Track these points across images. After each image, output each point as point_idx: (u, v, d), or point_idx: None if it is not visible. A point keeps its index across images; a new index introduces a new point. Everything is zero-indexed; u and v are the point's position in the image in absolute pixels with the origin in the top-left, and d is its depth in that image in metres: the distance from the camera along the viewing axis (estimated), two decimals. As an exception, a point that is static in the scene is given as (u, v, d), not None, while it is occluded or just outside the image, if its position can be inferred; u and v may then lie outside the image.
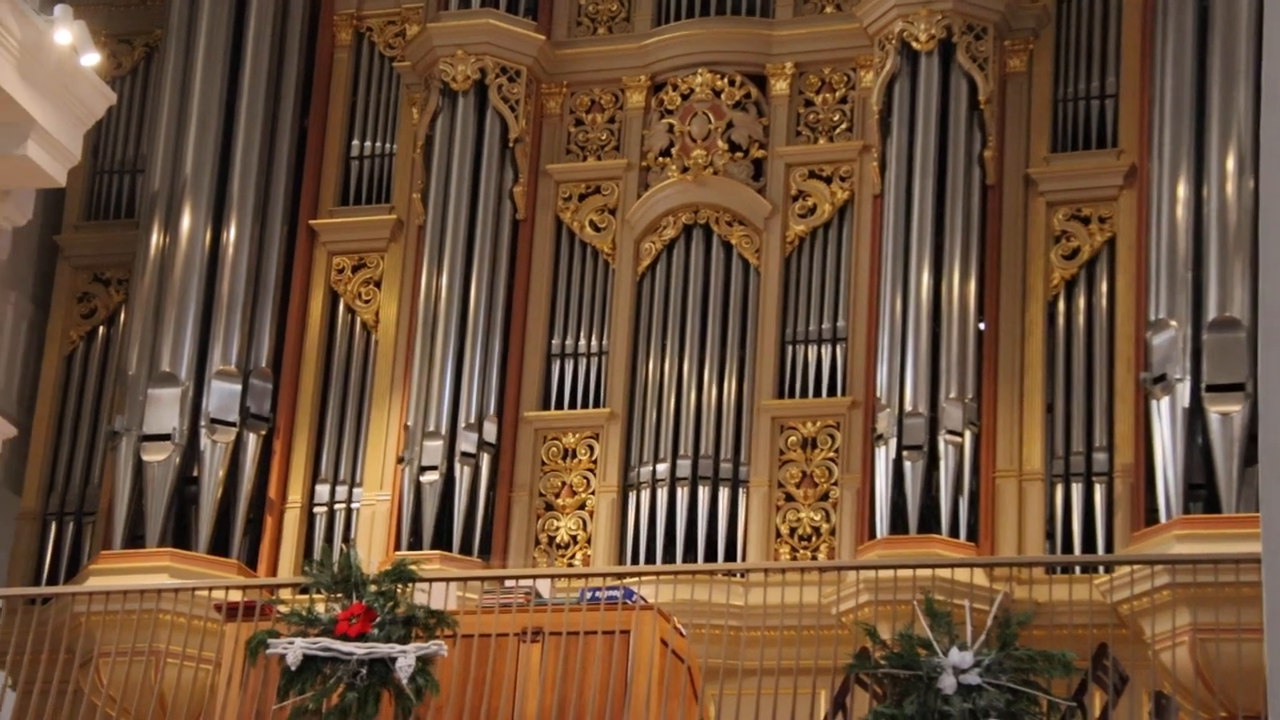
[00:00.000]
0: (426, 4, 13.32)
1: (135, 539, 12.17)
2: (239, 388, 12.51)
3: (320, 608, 9.17)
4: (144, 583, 10.78)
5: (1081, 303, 11.97)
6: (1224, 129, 11.11)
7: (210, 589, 10.51)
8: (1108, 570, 10.83)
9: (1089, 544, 11.38)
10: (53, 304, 13.54)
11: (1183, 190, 11.22)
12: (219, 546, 12.23)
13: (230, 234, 12.73)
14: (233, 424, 12.43)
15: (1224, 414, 10.67)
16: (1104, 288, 11.91)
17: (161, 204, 12.83)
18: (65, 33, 9.96)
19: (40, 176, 10.14)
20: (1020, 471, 11.66)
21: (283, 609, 9.36)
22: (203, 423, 12.35)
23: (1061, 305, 12.02)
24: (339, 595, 9.26)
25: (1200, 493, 10.75)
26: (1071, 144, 12.23)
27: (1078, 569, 11.10)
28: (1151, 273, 11.27)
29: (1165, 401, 10.91)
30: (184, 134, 12.84)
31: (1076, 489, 11.54)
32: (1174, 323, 11.02)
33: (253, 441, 12.51)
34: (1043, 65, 12.38)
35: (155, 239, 12.78)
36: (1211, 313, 10.89)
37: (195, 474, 12.33)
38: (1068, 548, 11.42)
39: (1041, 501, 11.59)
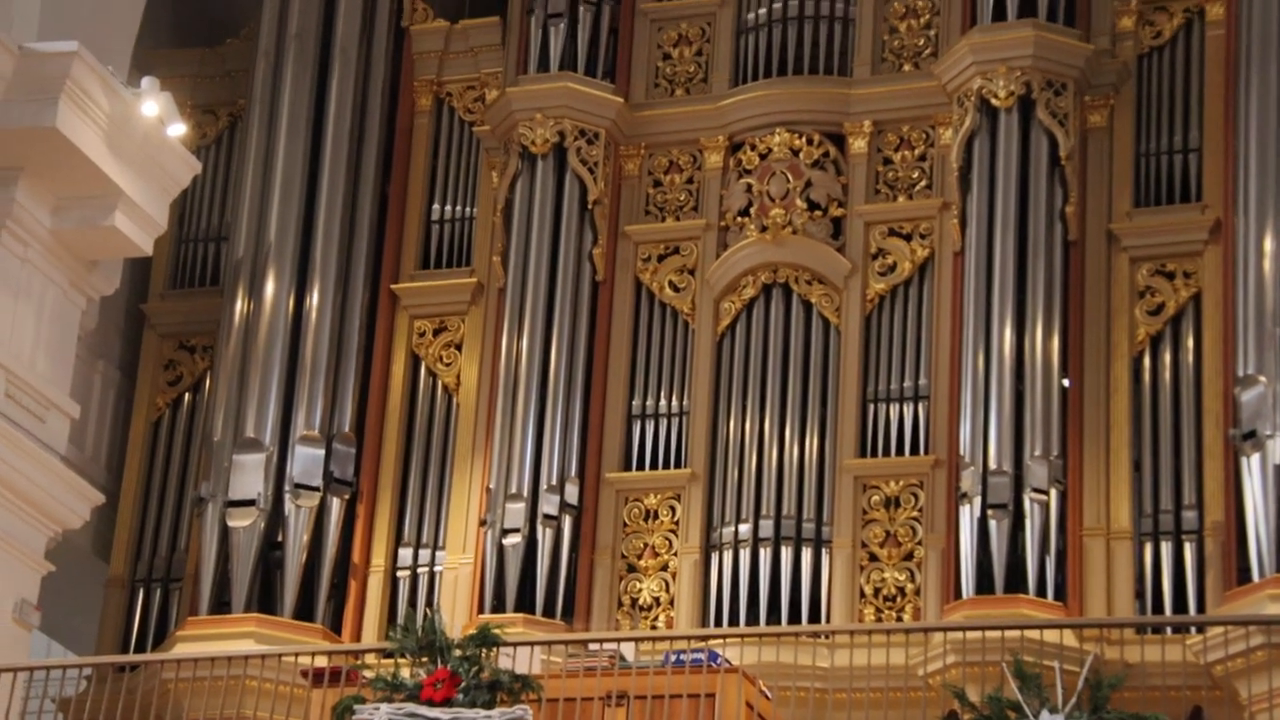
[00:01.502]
0: (505, 69, 13.43)
1: (221, 605, 12.24)
2: (322, 452, 12.59)
3: (405, 673, 9.17)
4: (230, 649, 10.81)
5: (1167, 358, 11.85)
6: (1311, 182, 11.00)
7: (296, 655, 10.53)
8: (1200, 630, 10.67)
9: (1179, 603, 11.22)
10: (139, 372, 13.69)
11: (1269, 244, 11.10)
12: (304, 612, 12.28)
13: (313, 299, 12.84)
14: (316, 489, 12.51)
15: (1317, 470, 10.52)
16: (1190, 343, 11.79)
17: (245, 271, 12.97)
18: (152, 105, 10.13)
19: (127, 246, 10.30)
20: (1108, 530, 11.53)
21: (368, 674, 9.37)
22: (287, 488, 12.43)
23: (1147, 361, 11.90)
24: (424, 660, 9.25)
25: (1294, 551, 10.57)
26: (1154, 199, 12.14)
27: (1169, 629, 10.94)
28: (1239, 328, 11.15)
29: (1255, 458, 10.76)
30: (267, 201, 12.99)
31: (1166, 547, 11.39)
32: (1263, 378, 10.89)
33: (336, 506, 12.57)
34: (1124, 120, 12.31)
35: (239, 306, 12.92)
36: (1301, 368, 10.75)
37: (280, 539, 12.40)
38: (1158, 607, 11.25)
39: (1130, 560, 11.45)
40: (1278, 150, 11.21)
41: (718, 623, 11.87)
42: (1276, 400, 10.80)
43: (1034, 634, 10.65)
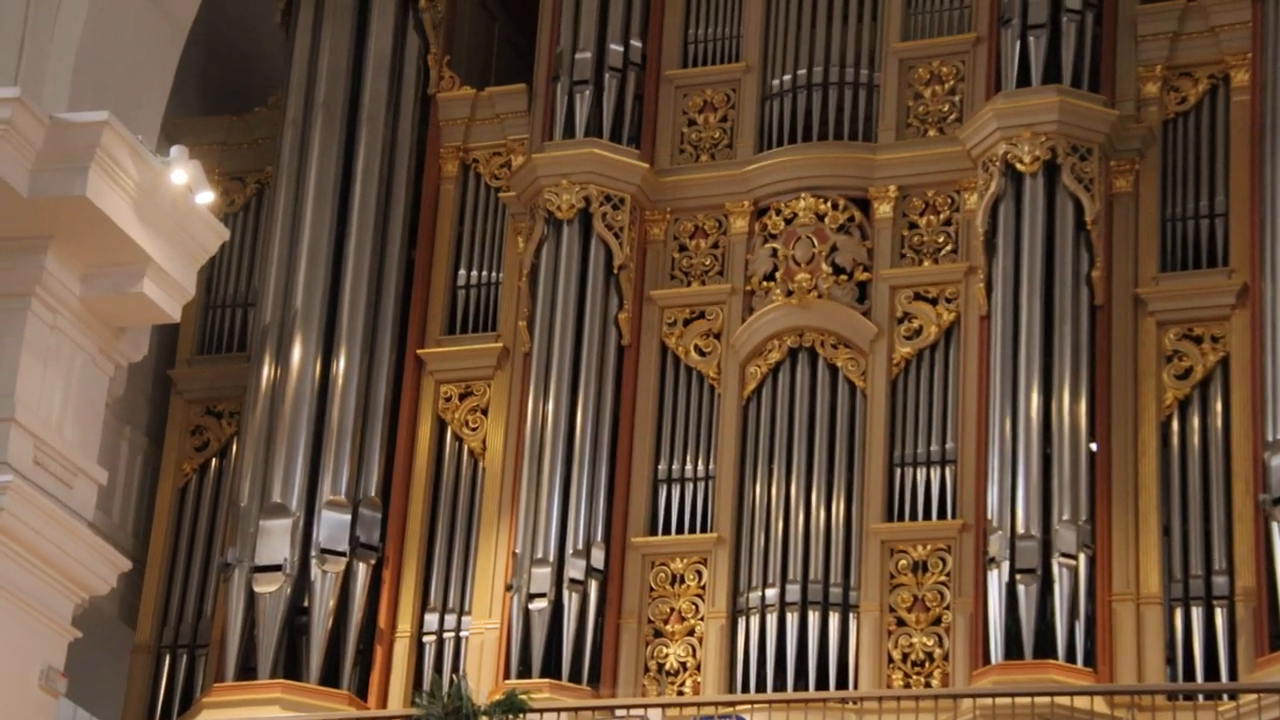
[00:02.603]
0: (531, 135, 13.51)
1: (247, 671, 12.22)
2: (349, 518, 12.59)
3: (433, 740, 9.14)
4: (256, 715, 10.79)
5: (1196, 423, 11.81)
6: (1338, 246, 10.99)
7: (322, 721, 10.51)
8: (1232, 698, 10.59)
9: (1211, 670, 11.13)
10: (166, 437, 13.74)
11: (1298, 308, 11.08)
12: (330, 677, 12.25)
13: (339, 365, 12.88)
14: (343, 554, 12.51)
15: (1348, 536, 10.45)
16: (1218, 408, 11.76)
17: (273, 337, 13.02)
18: (181, 173, 10.17)
19: (155, 313, 10.31)
20: (1138, 595, 11.46)
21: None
22: (313, 553, 12.44)
23: (1175, 425, 11.86)
24: (451, 727, 9.21)
25: (1326, 617, 10.50)
26: (1181, 264, 12.14)
27: (1201, 696, 10.85)
28: (1268, 392, 11.12)
29: (1286, 523, 10.69)
30: (294, 267, 13.06)
31: (1197, 613, 11.33)
32: (1292, 443, 10.84)
33: (362, 571, 12.57)
34: (1149, 185, 12.32)
35: (266, 371, 12.97)
36: (1330, 433, 10.70)
37: (306, 605, 12.40)
38: (1189, 673, 11.17)
39: (1160, 626, 11.37)
40: (1305, 214, 11.22)
41: (745, 688, 11.81)
42: (1307, 465, 10.75)
43: (1064, 700, 10.60)
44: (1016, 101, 12.21)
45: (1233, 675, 10.97)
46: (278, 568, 12.36)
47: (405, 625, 12.67)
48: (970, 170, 12.53)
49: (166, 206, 10.17)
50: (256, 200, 14.15)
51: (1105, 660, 11.25)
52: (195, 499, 13.55)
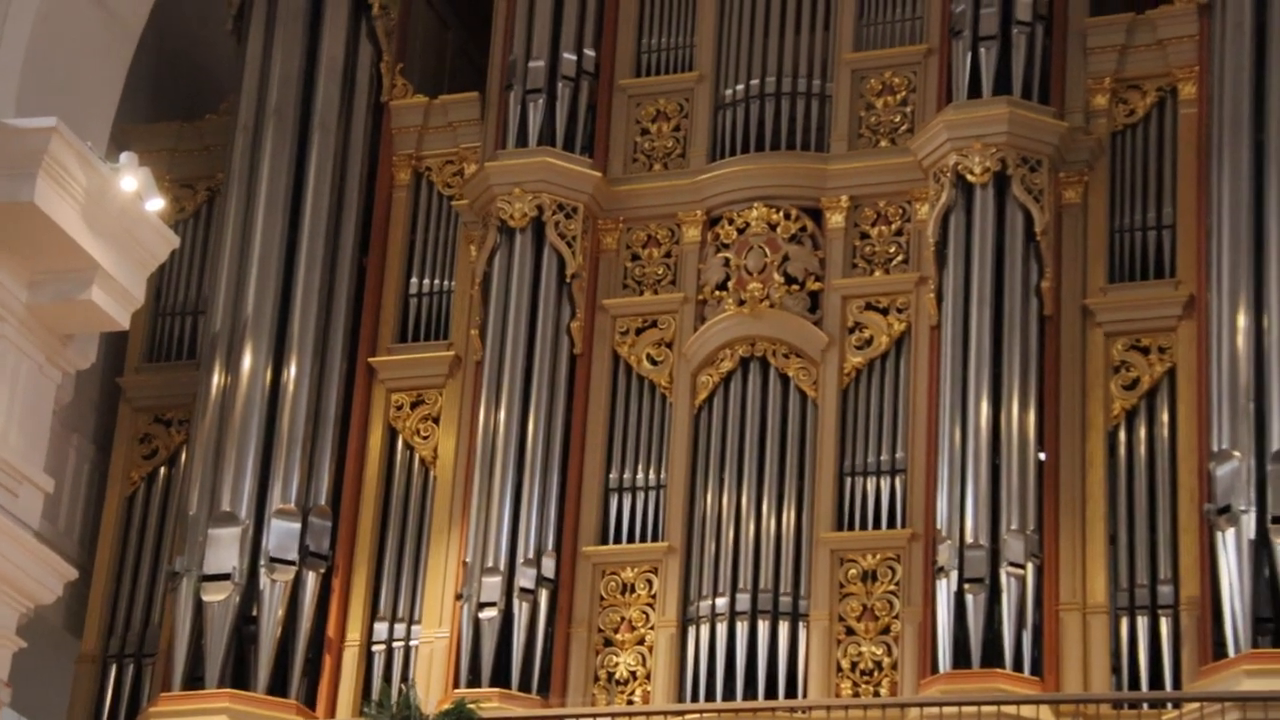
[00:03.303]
0: (484, 143, 13.51)
1: (194, 680, 12.17)
2: (298, 526, 12.56)
3: (380, 750, 9.12)
4: (203, 725, 10.75)
5: (1143, 433, 11.89)
6: (1283, 258, 11.08)
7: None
8: (1176, 706, 10.66)
9: (1155, 678, 11.21)
10: (114, 445, 13.66)
11: (1242, 320, 11.17)
12: (277, 687, 12.21)
13: (290, 373, 12.85)
14: (292, 563, 12.47)
15: (1291, 546, 10.54)
16: (1165, 418, 11.84)
17: (222, 344, 12.97)
18: (130, 179, 10.14)
19: (104, 321, 10.27)
20: (1084, 604, 11.53)
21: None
22: (262, 562, 12.39)
23: (1122, 436, 11.94)
24: (399, 736, 9.20)
25: (1268, 626, 10.60)
26: (1129, 275, 12.23)
27: (1145, 705, 10.92)
28: (1213, 403, 11.20)
29: (1230, 533, 10.79)
30: (245, 275, 13.02)
31: (1142, 622, 11.40)
32: (1237, 454, 10.93)
33: (312, 580, 12.53)
34: (1098, 197, 12.40)
35: (216, 379, 12.92)
36: (1275, 443, 10.81)
37: (254, 614, 12.35)
38: (1134, 682, 11.25)
39: (1106, 635, 11.45)
40: (1250, 227, 11.31)
41: (694, 697, 11.83)
42: (1250, 475, 10.83)
43: (1010, 709, 10.66)
44: (967, 113, 12.28)
45: (1177, 684, 11.05)
46: (226, 576, 12.31)
47: (354, 634, 12.64)
48: (921, 181, 12.59)
49: (115, 213, 10.13)
50: (207, 207, 14.09)
51: (1052, 669, 11.31)
52: (143, 507, 13.48)
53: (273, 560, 12.41)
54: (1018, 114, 12.21)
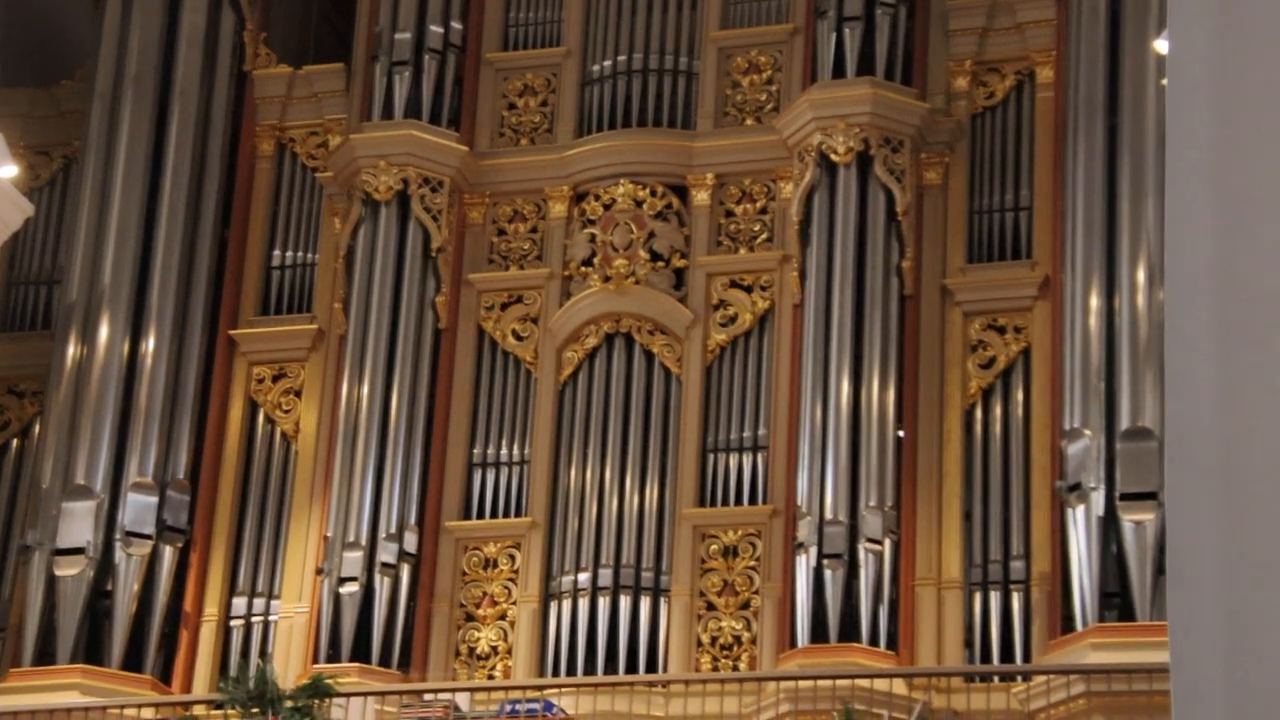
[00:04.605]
0: (349, 115, 13.39)
1: (46, 656, 11.97)
2: (155, 500, 12.39)
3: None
4: (53, 701, 10.59)
5: (998, 411, 12.07)
6: (1134, 242, 11.29)
7: (122, 707, 10.36)
8: (1025, 679, 10.84)
9: (1007, 652, 11.40)
10: (-35, 417, 13.41)
11: (1095, 301, 11.37)
12: (132, 663, 12.05)
13: (148, 345, 12.66)
14: (148, 537, 12.31)
15: (1137, 522, 10.76)
16: (1020, 397, 12.02)
17: (78, 315, 12.76)
18: (-19, 145, 9.93)
19: (-47, 289, 10.06)
20: (939, 580, 11.69)
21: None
22: (118, 536, 12.22)
23: (979, 414, 12.11)
24: (254, 711, 9.14)
25: (1115, 601, 10.81)
26: (987, 255, 12.39)
27: (996, 678, 11.10)
28: (1066, 383, 11.39)
29: (1080, 510, 10.98)
30: (102, 244, 12.81)
31: (995, 597, 11.58)
32: (1088, 432, 11.13)
33: (169, 554, 12.38)
34: (958, 178, 12.55)
35: (71, 350, 12.70)
36: (1124, 422, 11.01)
37: (109, 588, 12.18)
38: (986, 656, 11.43)
39: (960, 609, 11.61)
40: (1104, 209, 11.50)
41: (555, 672, 11.84)
42: (1100, 453, 11.04)
43: (865, 682, 10.78)
44: (831, 93, 12.36)
45: (1027, 657, 11.25)
46: (80, 550, 12.12)
47: (212, 609, 12.51)
48: (786, 159, 12.67)
49: (-36, 180, 9.93)
50: (63, 175, 13.84)
51: (907, 643, 11.47)
52: (-6, 479, 13.25)
53: (128, 534, 12.24)
54: (881, 95, 12.32)
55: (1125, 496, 10.86)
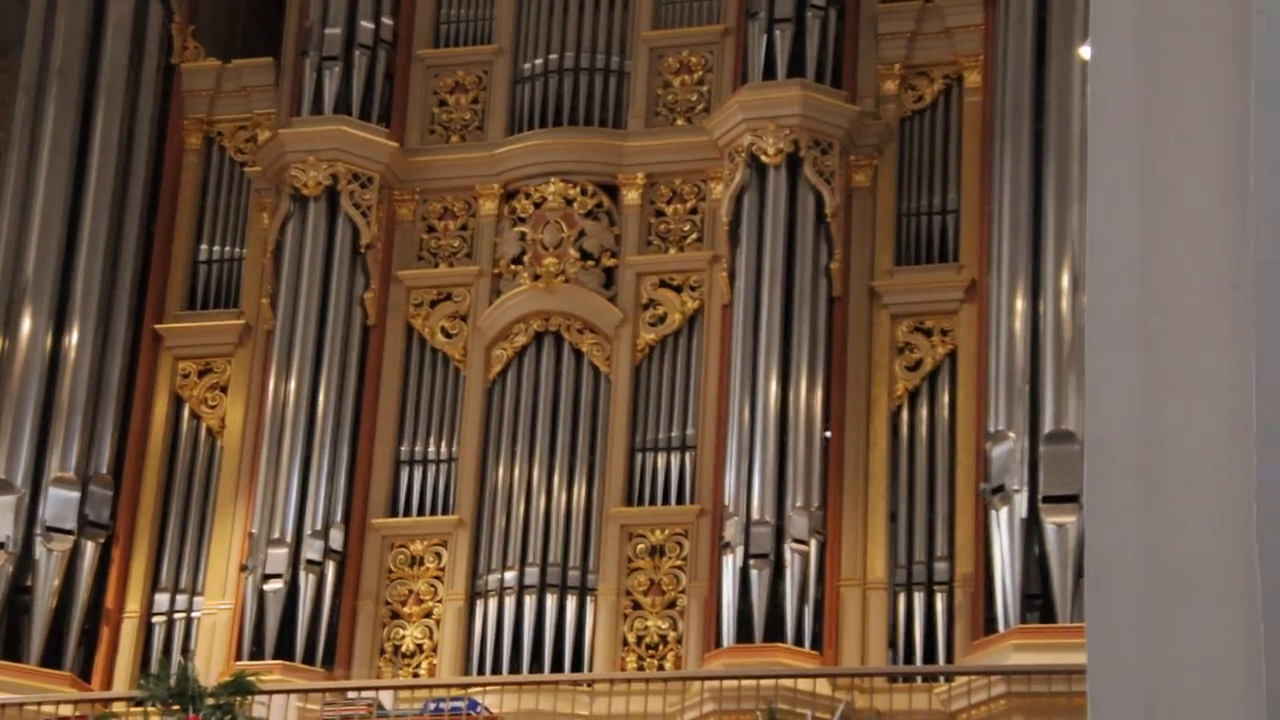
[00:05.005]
0: (278, 110, 13.30)
1: (-37, 651, 11.84)
2: (77, 495, 12.28)
3: (153, 722, 8.97)
4: (-30, 697, 10.46)
5: (924, 413, 12.15)
6: (1059, 246, 11.40)
7: (40, 704, 10.25)
8: (947, 679, 10.92)
9: (930, 653, 11.48)
10: (-116, 409, 13.20)
11: (1020, 305, 11.47)
12: (51, 658, 11.93)
13: (72, 338, 12.54)
14: (70, 532, 12.19)
15: (1059, 525, 10.86)
16: (945, 399, 12.11)
17: (1, 307, 12.60)
18: (-99, 134, 9.80)
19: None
20: (864, 580, 11.75)
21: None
22: (38, 531, 12.10)
23: (905, 415, 12.18)
24: (175, 708, 9.07)
25: (1037, 603, 10.90)
26: (914, 258, 12.47)
27: (919, 678, 11.18)
28: (991, 385, 11.48)
29: (1004, 512, 11.08)
30: (25, 236, 12.67)
31: (919, 598, 11.66)
32: (1012, 434, 11.22)
33: (90, 550, 12.26)
34: (886, 180, 12.62)
35: (-8, 343, 12.56)
36: (1048, 425, 11.11)
37: (29, 584, 12.05)
38: (910, 656, 11.50)
39: (884, 610, 11.69)
40: (1030, 213, 11.60)
41: (481, 671, 11.83)
42: (1024, 456, 11.13)
43: (789, 682, 10.83)
44: (761, 94, 12.41)
45: (950, 658, 11.33)
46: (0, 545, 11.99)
47: (134, 605, 12.41)
48: (716, 160, 12.70)
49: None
50: (-13, 165, 13.67)
51: (831, 643, 11.52)
52: (-88, 473, 13.06)
53: (49, 529, 12.12)
54: (810, 97, 12.37)
55: (1048, 499, 10.96)
